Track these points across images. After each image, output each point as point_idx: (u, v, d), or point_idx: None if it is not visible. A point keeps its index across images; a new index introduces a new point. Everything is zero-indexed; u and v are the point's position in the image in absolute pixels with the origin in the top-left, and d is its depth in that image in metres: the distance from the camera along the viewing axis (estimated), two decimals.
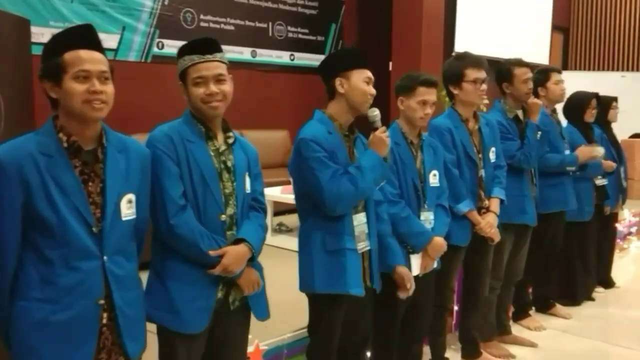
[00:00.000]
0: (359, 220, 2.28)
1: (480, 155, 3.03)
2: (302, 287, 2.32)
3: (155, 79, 6.03)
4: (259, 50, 7.19)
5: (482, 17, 8.09)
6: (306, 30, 7.74)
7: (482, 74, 2.94)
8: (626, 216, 6.00)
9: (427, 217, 2.66)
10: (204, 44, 1.92)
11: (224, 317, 1.99)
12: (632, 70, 9.02)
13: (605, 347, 3.65)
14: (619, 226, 5.47)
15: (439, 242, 2.67)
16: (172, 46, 6.17)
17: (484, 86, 2.96)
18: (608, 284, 4.76)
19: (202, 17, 6.65)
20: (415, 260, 2.62)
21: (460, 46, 6.71)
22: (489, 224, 2.97)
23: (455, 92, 2.98)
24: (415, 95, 2.60)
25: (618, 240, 5.48)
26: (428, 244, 2.63)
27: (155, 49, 6.28)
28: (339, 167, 2.18)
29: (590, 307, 4.35)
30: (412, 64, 6.71)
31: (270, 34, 7.35)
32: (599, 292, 4.59)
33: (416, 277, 2.57)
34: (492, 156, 3.09)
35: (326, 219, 2.22)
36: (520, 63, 3.40)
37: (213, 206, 1.91)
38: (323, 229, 2.23)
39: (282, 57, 7.47)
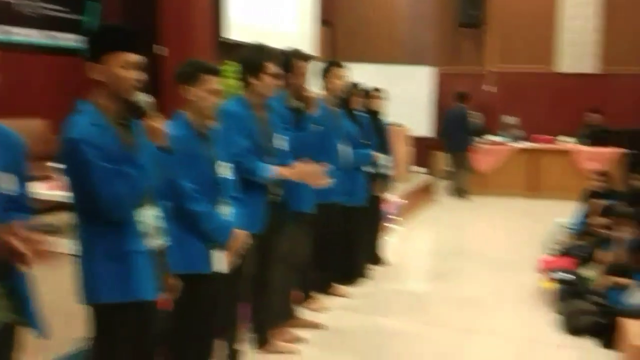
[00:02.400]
0: (147, 216, 2.15)
1: (269, 144, 3.11)
2: (86, 299, 2.11)
3: None
4: (4, 27, 6.37)
5: (252, 6, 8.28)
6: (62, 7, 7.08)
7: (280, 69, 3.08)
8: (391, 198, 6.74)
9: (225, 210, 2.65)
10: None
11: None
12: (389, 62, 10.13)
13: (381, 320, 4.07)
14: (386, 208, 6.13)
15: (242, 234, 2.69)
16: None
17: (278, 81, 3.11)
18: (378, 261, 5.32)
19: None
20: (220, 257, 2.60)
21: (231, 34, 6.78)
22: (298, 171, 3.10)
23: (254, 82, 3.04)
24: (203, 84, 2.56)
25: (385, 221, 6.15)
26: (232, 238, 2.64)
27: None
28: (113, 167, 2.00)
29: (367, 285, 4.81)
30: (187, 50, 6.60)
31: (17, 9, 6.55)
32: (372, 269, 5.10)
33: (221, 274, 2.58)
34: (279, 144, 3.19)
35: (107, 220, 2.06)
36: (299, 55, 3.57)
37: None
38: (103, 232, 2.06)
39: (33, 35, 6.72)
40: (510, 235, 6.83)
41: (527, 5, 10.50)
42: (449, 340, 3.76)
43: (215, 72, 2.61)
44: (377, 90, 5.13)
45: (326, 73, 4.08)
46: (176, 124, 2.51)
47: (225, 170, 2.68)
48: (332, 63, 4.20)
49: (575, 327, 3.81)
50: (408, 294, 4.69)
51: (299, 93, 3.56)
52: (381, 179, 4.96)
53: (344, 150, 4.14)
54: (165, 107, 2.53)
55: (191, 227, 2.51)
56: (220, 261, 2.61)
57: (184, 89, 2.59)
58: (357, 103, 4.68)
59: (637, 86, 10.04)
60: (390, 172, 5.11)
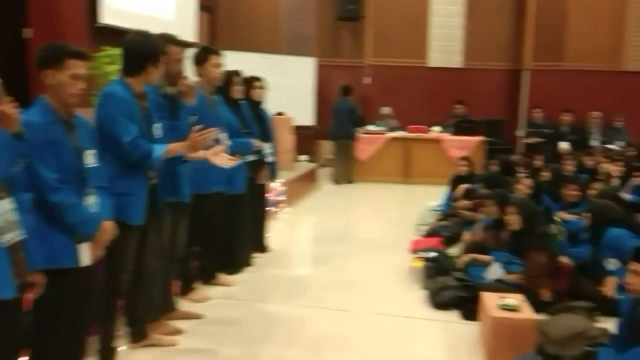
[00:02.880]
0: (2, 208, 2.02)
1: (150, 133, 3.04)
2: None
3: None
4: None
5: None
6: None
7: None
8: (275, 186, 6.80)
9: (91, 201, 2.54)
10: None
11: None
12: (271, 52, 10.17)
13: (263, 306, 4.12)
14: (269, 195, 6.18)
15: (109, 226, 2.60)
16: None
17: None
18: (264, 249, 5.36)
19: None
20: (85, 250, 2.50)
21: (106, 19, 6.45)
22: (192, 143, 3.02)
23: (151, 70, 2.98)
24: (67, 68, 2.42)
25: (270, 209, 6.21)
26: (99, 230, 2.54)
27: None
28: None
29: (250, 272, 4.84)
30: (58, 34, 6.19)
31: None
32: (257, 257, 5.14)
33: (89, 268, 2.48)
34: (158, 133, 3.10)
35: None
36: (175, 41, 3.45)
37: None
38: None
39: None
40: (387, 219, 7.15)
41: (402, 2, 10.98)
42: (329, 322, 3.89)
43: (81, 57, 2.48)
44: (258, 79, 5.13)
45: (201, 60, 4.00)
46: (36, 110, 2.37)
47: (92, 159, 2.57)
48: (207, 50, 4.08)
49: (440, 302, 4.09)
50: (291, 279, 4.77)
51: (175, 81, 3.47)
52: (264, 168, 4.97)
53: (222, 138, 4.09)
54: (33, 93, 2.37)
55: (54, 219, 2.38)
56: (86, 254, 2.50)
57: (46, 73, 2.44)
58: (237, 92, 4.65)
59: (494, 79, 10.89)
60: (273, 161, 5.13)
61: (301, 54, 10.40)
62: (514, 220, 4.31)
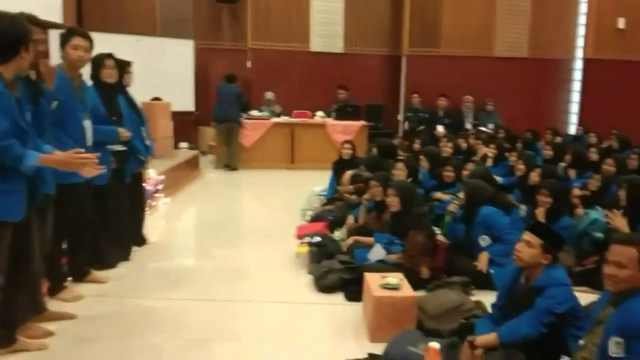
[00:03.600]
0: None
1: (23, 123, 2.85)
2: None
3: None
4: None
5: None
6: None
7: None
8: (153, 175, 6.55)
9: None
10: None
11: None
12: (146, 34, 9.74)
13: (142, 301, 3.95)
14: (147, 185, 5.94)
15: None
16: None
17: None
18: (142, 241, 5.14)
19: None
20: None
21: None
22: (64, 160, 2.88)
23: (24, 55, 2.81)
24: None
25: (148, 199, 5.97)
26: None
27: None
28: None
29: (126, 266, 4.63)
30: None
31: None
32: (135, 250, 4.92)
33: None
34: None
35: None
36: (33, 21, 3.17)
37: None
38: None
39: None
40: (272, 206, 7.15)
41: None
42: (213, 313, 3.81)
43: None
44: (127, 63, 4.87)
45: (62, 42, 3.71)
46: None
47: None
48: (69, 31, 3.80)
49: (325, 286, 4.15)
50: (172, 272, 4.62)
51: (35, 64, 3.21)
52: (136, 156, 4.74)
53: (87, 125, 3.84)
54: None
55: None
56: None
57: None
58: (108, 76, 4.39)
59: (375, 65, 11.23)
60: (146, 148, 4.91)
61: (179, 36, 10.06)
62: (393, 201, 4.46)
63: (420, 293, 3.85)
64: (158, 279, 4.46)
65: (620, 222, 4.24)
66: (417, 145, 8.13)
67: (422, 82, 10.80)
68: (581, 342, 2.59)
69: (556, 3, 11.28)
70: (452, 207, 4.69)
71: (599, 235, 4.63)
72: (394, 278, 3.54)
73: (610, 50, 11.21)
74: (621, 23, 11.18)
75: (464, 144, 8.01)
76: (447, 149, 7.68)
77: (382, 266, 4.09)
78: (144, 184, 5.39)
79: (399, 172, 5.58)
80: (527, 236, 2.95)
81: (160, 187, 6.68)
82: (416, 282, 3.95)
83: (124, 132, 4.38)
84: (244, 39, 10.92)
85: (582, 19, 11.30)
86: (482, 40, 11.23)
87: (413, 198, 4.56)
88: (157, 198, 6.60)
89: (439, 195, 5.70)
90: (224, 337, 3.45)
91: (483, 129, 10.30)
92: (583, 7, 11.27)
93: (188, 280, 4.43)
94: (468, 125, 10.66)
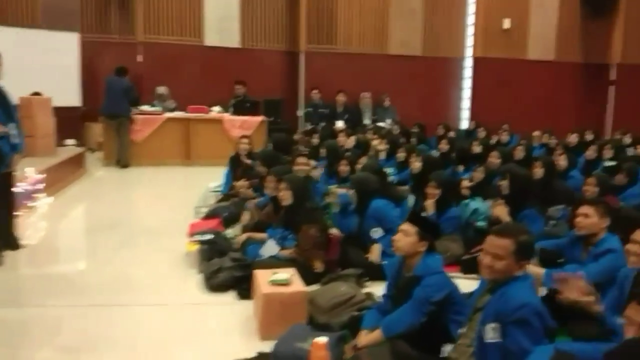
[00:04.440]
0: None
1: None
2: None
3: None
4: None
5: None
6: None
7: None
8: (31, 174, 6.09)
9: None
10: None
11: None
12: (27, 26, 9.10)
13: (12, 311, 3.64)
14: (24, 185, 5.51)
15: None
16: None
17: None
18: (15, 245, 4.75)
19: None
20: None
21: None
22: None
23: None
24: None
25: (25, 201, 5.54)
26: None
27: None
28: None
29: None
30: None
31: None
32: (8, 255, 4.54)
33: None
34: None
35: None
36: None
37: None
38: None
39: None
40: (166, 204, 6.87)
41: None
42: (92, 320, 3.56)
43: None
44: None
45: None
46: None
47: None
48: None
49: (215, 284, 4.02)
50: (49, 277, 4.29)
51: None
52: (5, 153, 4.37)
53: None
54: None
55: None
56: None
57: None
58: None
59: (273, 60, 11.16)
60: (17, 145, 4.53)
61: (64, 29, 9.48)
62: (285, 195, 4.41)
63: (315, 287, 3.82)
64: (32, 284, 4.13)
65: (501, 210, 4.44)
66: (315, 140, 8.15)
67: (321, 79, 10.87)
68: (462, 330, 2.65)
69: (446, 4, 11.75)
70: (331, 199, 4.72)
71: (482, 224, 4.83)
72: (284, 274, 3.47)
73: (498, 49, 11.84)
74: (507, 23, 11.83)
75: (362, 139, 8.13)
76: (349, 142, 7.77)
77: (275, 262, 4.02)
78: (18, 184, 4.98)
79: (301, 167, 5.52)
80: (404, 226, 3.01)
81: (40, 186, 6.23)
82: (311, 277, 3.92)
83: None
84: (134, 32, 10.47)
85: (470, 20, 11.83)
86: (377, 38, 11.47)
87: (305, 192, 4.53)
88: (37, 198, 6.15)
89: (333, 189, 5.72)
90: (97, 346, 3.21)
91: (381, 124, 10.53)
92: (471, 8, 11.80)
93: (66, 285, 4.12)
94: (367, 121, 10.86)
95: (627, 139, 9.35)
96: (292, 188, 4.40)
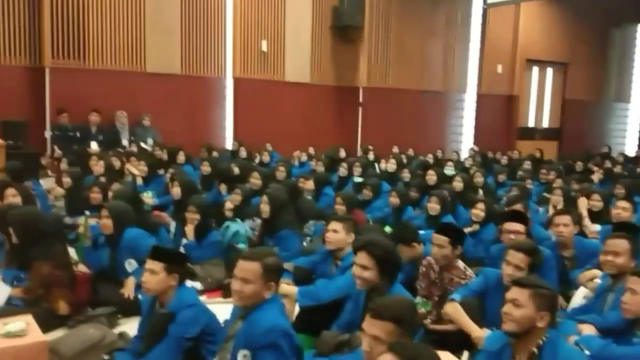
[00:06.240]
0: None
1: None
2: None
3: None
4: None
5: None
6: None
7: None
8: None
9: None
10: None
11: None
12: None
13: None
14: None
15: None
16: None
17: None
18: None
19: None
20: None
21: None
22: None
23: None
24: None
25: None
26: None
27: None
28: None
29: None
30: None
31: None
32: None
33: None
34: None
35: None
36: None
37: None
38: None
39: None
40: None
41: None
42: None
43: None
44: None
45: None
46: None
47: None
48: None
49: None
50: None
51: None
52: None
53: None
54: None
55: None
56: None
57: None
58: None
59: (12, 77, 10.00)
60: None
61: None
62: (106, 224, 4.18)
63: (60, 332, 3.48)
64: None
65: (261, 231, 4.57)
66: (64, 165, 7.52)
67: (71, 97, 10.08)
68: (215, 359, 2.63)
69: (204, 24, 11.84)
70: (81, 229, 4.45)
71: (243, 246, 4.92)
72: (18, 322, 3.09)
73: (256, 70, 12.30)
74: (264, 46, 12.36)
75: (117, 162, 7.72)
76: (98, 168, 7.28)
77: (9, 309, 3.55)
78: None
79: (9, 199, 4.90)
80: (149, 264, 2.93)
81: None
82: (55, 321, 3.58)
83: None
84: None
85: (229, 41, 12.10)
86: (133, 55, 11.07)
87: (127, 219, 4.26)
88: None
89: (82, 220, 5.28)
90: None
91: (143, 145, 10.16)
92: (229, 29, 12.08)
93: None
94: (125, 142, 10.37)
95: (371, 155, 10.43)
96: (112, 215, 4.18)
